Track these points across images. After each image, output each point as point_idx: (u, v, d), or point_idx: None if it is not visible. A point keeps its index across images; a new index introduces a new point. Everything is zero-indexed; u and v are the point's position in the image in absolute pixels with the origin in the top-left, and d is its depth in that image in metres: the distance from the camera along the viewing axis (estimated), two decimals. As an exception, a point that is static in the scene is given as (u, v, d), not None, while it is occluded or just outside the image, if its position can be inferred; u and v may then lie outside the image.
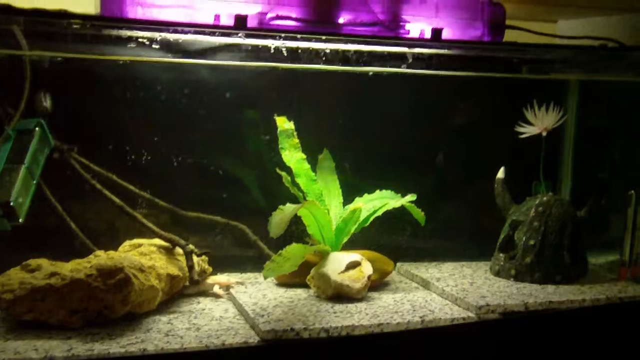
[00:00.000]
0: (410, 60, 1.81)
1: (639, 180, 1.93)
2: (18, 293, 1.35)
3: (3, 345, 1.29)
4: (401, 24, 1.77)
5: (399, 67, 1.81)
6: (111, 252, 1.53)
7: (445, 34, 1.77)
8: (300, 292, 1.68)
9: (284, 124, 1.70)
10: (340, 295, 1.63)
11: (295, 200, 1.66)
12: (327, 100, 1.93)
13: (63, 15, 1.46)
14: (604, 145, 2.18)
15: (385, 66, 1.82)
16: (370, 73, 1.84)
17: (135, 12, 1.55)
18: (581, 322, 1.67)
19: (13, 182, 1.40)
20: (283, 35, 1.63)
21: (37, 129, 1.49)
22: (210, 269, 1.70)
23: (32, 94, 1.53)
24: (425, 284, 1.79)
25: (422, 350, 1.53)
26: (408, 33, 1.77)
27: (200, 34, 1.59)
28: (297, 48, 1.71)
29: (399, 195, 1.78)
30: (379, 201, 1.76)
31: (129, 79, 1.71)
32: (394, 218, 1.85)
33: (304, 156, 1.71)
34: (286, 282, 1.73)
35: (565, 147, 2.17)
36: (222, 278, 1.70)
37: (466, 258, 2.01)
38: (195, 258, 1.62)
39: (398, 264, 1.93)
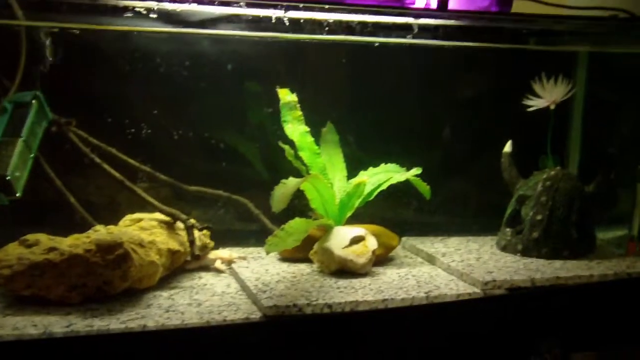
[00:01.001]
0: (416, 31, 1.78)
1: (648, 154, 1.90)
2: (16, 268, 1.33)
3: (2, 321, 1.27)
4: (407, -7, 1.73)
5: (405, 38, 1.78)
6: (111, 227, 1.51)
7: (452, 4, 1.74)
8: (303, 267, 1.66)
9: (286, 96, 1.67)
10: (344, 270, 1.61)
11: (298, 174, 1.64)
12: (331, 72, 1.90)
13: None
14: (613, 118, 2.15)
15: (391, 37, 1.79)
16: (376, 44, 1.80)
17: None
18: (589, 297, 1.65)
19: (10, 155, 1.37)
20: (285, 4, 1.59)
21: (34, 101, 1.46)
22: (212, 244, 1.68)
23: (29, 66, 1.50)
24: (431, 259, 1.77)
25: (427, 327, 1.51)
26: (414, 3, 1.74)
27: (200, 3, 1.56)
28: (300, 18, 1.67)
29: (404, 168, 1.75)
30: (384, 175, 1.74)
31: (128, 51, 1.69)
32: (399, 192, 1.83)
33: (307, 129, 1.68)
34: (289, 257, 1.71)
35: (574, 120, 2.14)
36: (224, 253, 1.68)
37: (472, 233, 1.99)
38: (196, 233, 1.60)
39: (403, 239, 1.91)
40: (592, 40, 2.06)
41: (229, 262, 1.66)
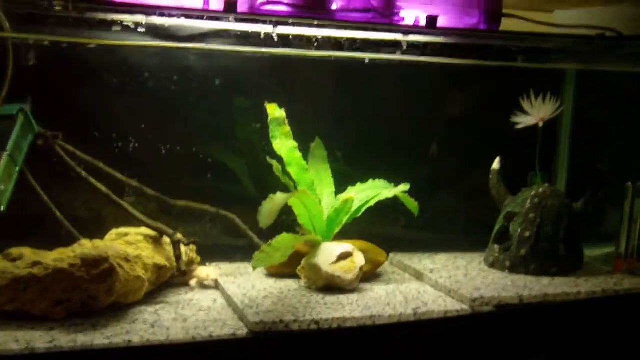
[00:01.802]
0: (405, 47, 1.79)
1: (636, 172, 1.90)
2: (-1, 283, 1.32)
3: (-17, 336, 1.26)
4: (396, 10, 1.74)
5: (394, 54, 1.78)
6: (97, 241, 1.50)
7: (441, 22, 1.74)
8: (290, 283, 1.65)
9: (275, 111, 1.67)
10: (331, 286, 1.60)
11: (286, 189, 1.63)
12: (320, 88, 1.90)
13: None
14: (601, 136, 2.16)
15: (380, 53, 1.79)
16: (367, 60, 1.80)
17: (122, -6, 1.51)
18: (577, 315, 1.65)
19: (-6, 169, 1.36)
20: (274, 20, 1.60)
21: (20, 115, 1.45)
22: (199, 259, 1.67)
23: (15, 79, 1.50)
24: (419, 276, 1.77)
25: (415, 343, 1.50)
26: (402, 20, 1.74)
27: (188, 18, 1.56)
28: (289, 34, 1.67)
29: (392, 185, 1.75)
30: (372, 191, 1.74)
31: (115, 65, 1.68)
32: (387, 208, 1.82)
33: (296, 144, 1.68)
34: (276, 273, 1.70)
35: (562, 138, 2.15)
36: (204, 272, 1.66)
37: (460, 249, 1.99)
38: (183, 248, 1.59)
39: (391, 255, 1.90)
40: (580, 59, 2.07)
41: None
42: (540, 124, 1.84)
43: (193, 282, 1.63)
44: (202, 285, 1.63)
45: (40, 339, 1.25)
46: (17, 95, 1.51)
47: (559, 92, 2.06)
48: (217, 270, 1.70)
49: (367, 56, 1.80)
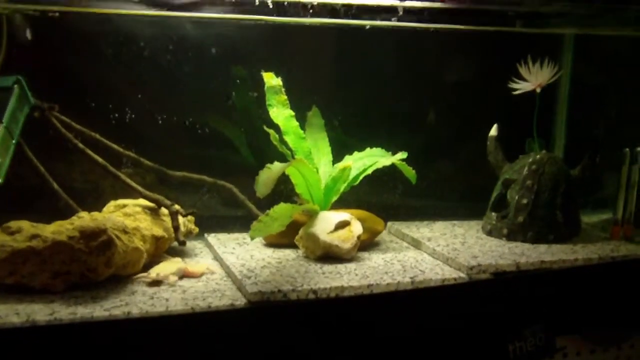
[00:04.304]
0: (401, 13, 1.76)
1: (633, 137, 1.90)
2: (-2, 256, 1.32)
3: (-16, 310, 1.27)
4: (391, -25, 1.72)
5: (390, 20, 1.77)
6: (95, 214, 1.50)
7: (438, -14, 1.73)
8: (288, 253, 1.65)
9: (271, 80, 1.66)
10: (329, 255, 1.60)
11: (283, 158, 1.63)
12: (316, 56, 1.89)
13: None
14: (599, 102, 2.15)
15: (375, 20, 1.77)
16: (367, 26, 1.79)
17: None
18: (573, 281, 1.65)
19: (-10, 142, 1.36)
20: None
21: (15, 86, 1.44)
22: (197, 230, 1.68)
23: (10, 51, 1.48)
24: (416, 244, 1.77)
25: (413, 312, 1.51)
26: (399, -15, 1.72)
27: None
28: (284, 1, 1.66)
29: (390, 153, 1.75)
30: (369, 159, 1.74)
31: (111, 34, 1.67)
32: (384, 177, 1.83)
33: (293, 113, 1.67)
34: (274, 243, 1.70)
35: (560, 103, 2.14)
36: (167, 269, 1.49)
37: (458, 217, 1.99)
38: (181, 219, 1.59)
39: (389, 224, 1.91)
40: (579, 23, 2.05)
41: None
42: (538, 90, 1.83)
43: (153, 274, 1.45)
44: (154, 283, 1.44)
45: (40, 312, 1.26)
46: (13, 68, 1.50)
47: (557, 58, 2.05)
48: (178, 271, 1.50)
49: (362, 23, 1.78)
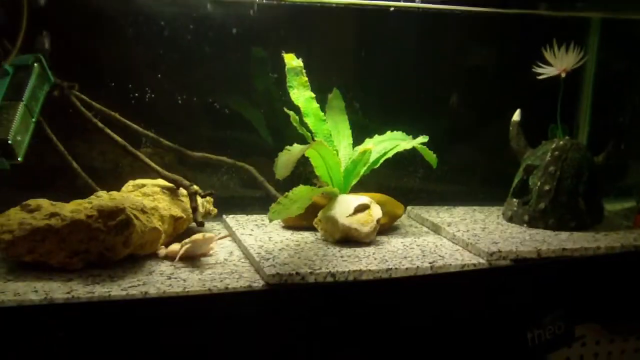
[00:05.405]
0: (425, -5, 1.75)
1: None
2: (17, 234, 1.32)
3: (3, 287, 1.27)
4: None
5: (413, 2, 1.75)
6: (113, 193, 1.50)
7: (462, -31, 1.70)
8: (307, 235, 1.65)
9: (292, 61, 1.65)
10: (348, 238, 1.59)
11: (303, 140, 1.61)
12: (338, 38, 1.87)
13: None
14: (625, 88, 2.11)
15: (398, 1, 1.75)
16: (391, 8, 1.77)
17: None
18: (595, 270, 1.63)
19: (11, 119, 1.35)
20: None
21: (35, 64, 1.44)
22: (215, 211, 1.67)
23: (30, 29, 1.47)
24: (436, 229, 1.76)
25: (431, 297, 1.49)
26: (423, -33, 1.70)
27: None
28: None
29: (411, 136, 1.73)
30: (390, 142, 1.72)
31: (131, 14, 1.66)
32: (405, 160, 1.81)
33: (313, 95, 1.66)
34: (293, 225, 1.70)
35: (585, 89, 2.11)
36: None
37: (478, 202, 1.97)
38: (199, 199, 1.58)
39: (408, 208, 1.89)
40: (605, 7, 2.02)
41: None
42: (563, 75, 1.80)
43: (162, 252, 1.49)
44: (165, 257, 1.48)
45: (58, 290, 1.26)
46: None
47: (583, 42, 2.02)
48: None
49: (386, 4, 1.76)
